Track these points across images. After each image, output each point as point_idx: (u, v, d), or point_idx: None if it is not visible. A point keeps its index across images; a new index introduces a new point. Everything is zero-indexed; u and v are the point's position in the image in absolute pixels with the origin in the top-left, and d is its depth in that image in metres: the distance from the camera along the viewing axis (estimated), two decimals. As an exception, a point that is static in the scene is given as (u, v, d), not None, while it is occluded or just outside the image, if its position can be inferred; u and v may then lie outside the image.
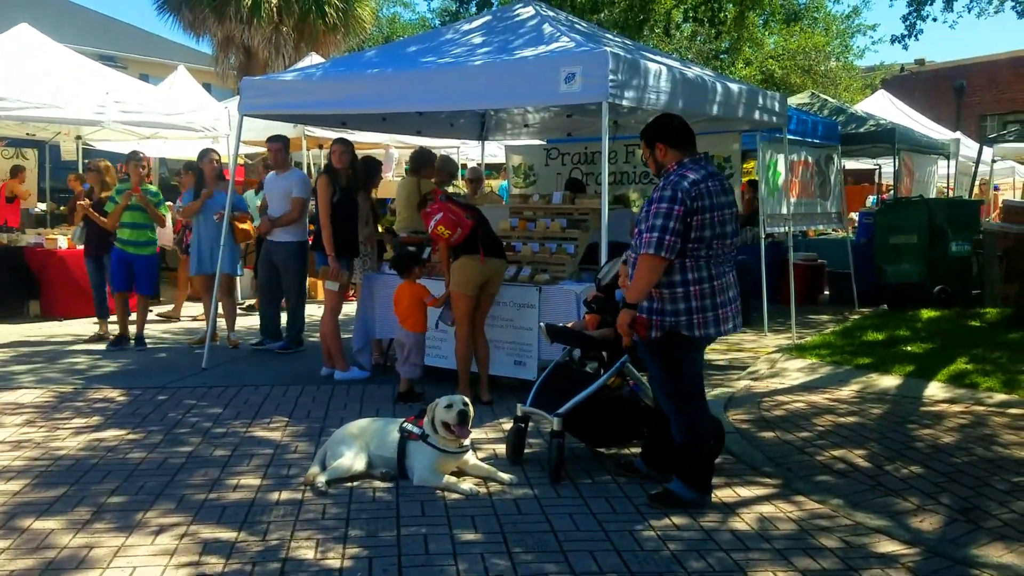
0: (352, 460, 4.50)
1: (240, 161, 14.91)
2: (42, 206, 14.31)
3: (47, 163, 14.81)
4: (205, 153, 8.33)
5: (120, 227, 8.23)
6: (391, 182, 13.35)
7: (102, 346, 8.30)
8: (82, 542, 3.72)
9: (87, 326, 9.22)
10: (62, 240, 9.80)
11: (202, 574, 3.42)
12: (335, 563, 3.55)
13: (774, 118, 7.66)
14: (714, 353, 8.05)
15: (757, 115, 7.40)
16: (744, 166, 9.14)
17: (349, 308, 7.31)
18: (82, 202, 8.74)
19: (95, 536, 3.78)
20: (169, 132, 11.26)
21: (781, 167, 8.85)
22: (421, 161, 7.72)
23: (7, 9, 23.54)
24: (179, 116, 10.69)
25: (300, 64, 13.98)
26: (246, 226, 8.37)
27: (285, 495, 4.32)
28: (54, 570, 3.44)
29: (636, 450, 4.99)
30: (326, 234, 6.73)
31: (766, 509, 4.18)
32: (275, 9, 19.60)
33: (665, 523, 4.00)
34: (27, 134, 12.69)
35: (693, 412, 4.18)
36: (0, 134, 13.18)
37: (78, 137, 12.90)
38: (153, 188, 8.60)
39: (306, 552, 3.65)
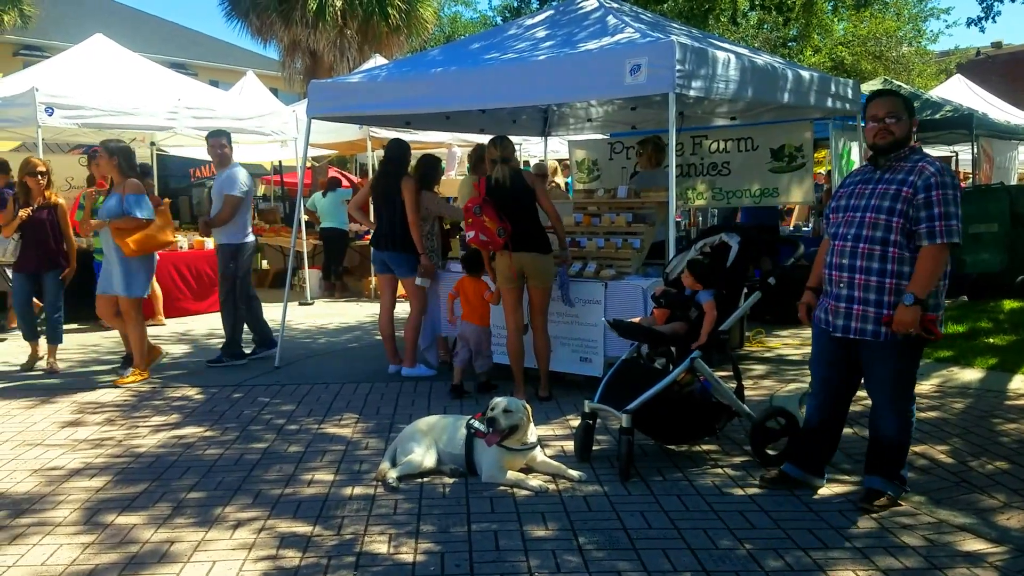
0: (422, 456, 4.53)
1: (307, 164, 15.19)
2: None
3: (123, 169, 15.26)
4: (93, 156, 7.60)
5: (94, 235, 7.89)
6: (454, 180, 13.43)
7: (180, 347, 8.52)
8: (163, 537, 3.82)
9: (167, 326, 9.51)
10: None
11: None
12: (408, 557, 3.57)
13: (847, 105, 7.44)
14: (787, 348, 7.89)
15: (829, 102, 7.19)
16: (816, 155, 8.90)
17: (403, 306, 7.36)
18: (24, 210, 7.33)
19: (176, 531, 3.88)
20: (239, 136, 11.52)
21: (855, 155, 8.61)
22: (479, 158, 7.73)
23: (83, 20, 24.46)
24: (249, 121, 10.95)
25: (364, 66, 14.18)
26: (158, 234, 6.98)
27: (358, 490, 4.38)
28: (137, 564, 3.54)
29: (739, 459, 4.91)
30: (416, 234, 6.79)
31: (845, 507, 4.07)
32: (339, 12, 19.88)
33: (740, 522, 3.92)
34: (102, 141, 13.12)
35: (912, 411, 4.06)
36: (77, 142, 13.69)
37: (152, 143, 13.31)
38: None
39: (379, 546, 3.68)
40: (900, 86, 12.94)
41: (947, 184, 3.75)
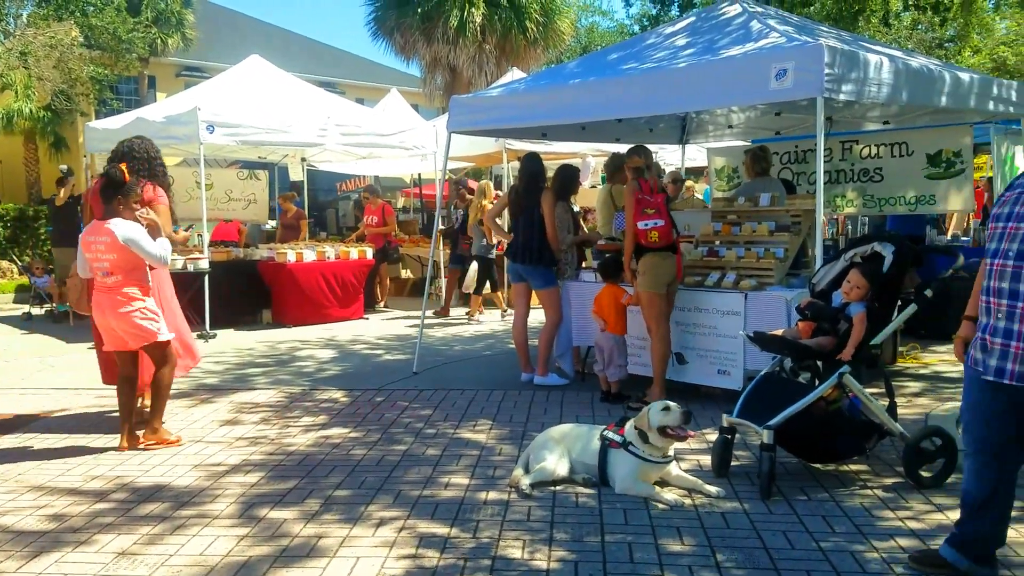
0: (555, 464, 4.54)
1: (446, 177, 15.59)
2: (272, 223, 15.68)
3: (275, 183, 16.17)
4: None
5: None
6: (589, 191, 13.43)
7: (327, 352, 8.92)
8: (312, 532, 3.99)
9: (314, 332, 9.98)
10: (291, 254, 10.66)
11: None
12: (542, 564, 3.58)
13: (1011, 108, 6.94)
14: (943, 364, 7.42)
15: (991, 105, 6.73)
16: (976, 160, 8.36)
17: (536, 314, 7.42)
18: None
19: (323, 526, 4.05)
20: (383, 151, 11.97)
21: (1020, 161, 8.02)
22: (615, 167, 7.69)
23: (240, 42, 26.12)
24: (392, 136, 11.35)
25: (502, 80, 14.42)
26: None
27: (492, 495, 4.43)
28: (287, 557, 3.71)
29: (891, 480, 4.69)
30: (555, 244, 6.93)
31: (1010, 533, 3.77)
32: (479, 28, 20.33)
33: (890, 544, 3.71)
34: (259, 157, 13.97)
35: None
36: (235, 157, 14.60)
37: (303, 159, 14.02)
38: None
39: (514, 551, 3.71)
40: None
41: None
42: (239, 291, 10.62)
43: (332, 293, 10.78)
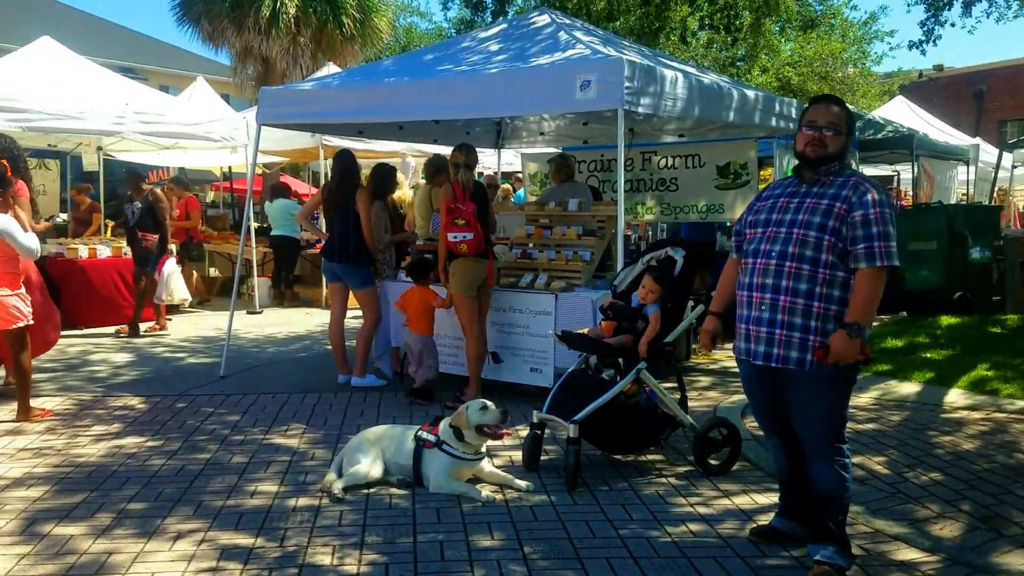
0: (369, 467, 4.52)
1: (258, 171, 15.05)
2: (63, 216, 14.51)
3: (68, 174, 15.00)
4: None
5: None
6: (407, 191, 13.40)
7: (123, 355, 8.38)
8: (102, 548, 3.75)
9: (107, 335, 9.32)
10: (83, 250, 9.90)
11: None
12: (352, 569, 3.56)
13: (791, 124, 7.63)
14: (731, 360, 8.02)
15: (774, 121, 7.38)
16: (761, 173, 9.09)
17: (353, 315, 7.34)
18: None
19: (115, 542, 3.81)
20: (188, 142, 11.37)
21: (798, 173, 8.79)
22: (436, 169, 7.75)
23: (30, 23, 23.89)
24: (198, 126, 10.79)
25: (317, 74, 14.11)
26: None
27: (303, 501, 4.34)
28: (75, 575, 3.47)
29: (683, 468, 4.98)
30: (371, 244, 6.88)
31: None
32: (293, 20, 19.73)
33: (682, 530, 3.99)
34: (49, 145, 12.87)
35: (847, 456, 3.55)
36: (23, 146, 13.36)
37: (99, 148, 13.06)
38: None
39: (323, 558, 3.66)
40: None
41: (885, 203, 3.39)
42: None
43: (130, 292, 10.10)
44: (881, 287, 3.38)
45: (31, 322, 5.95)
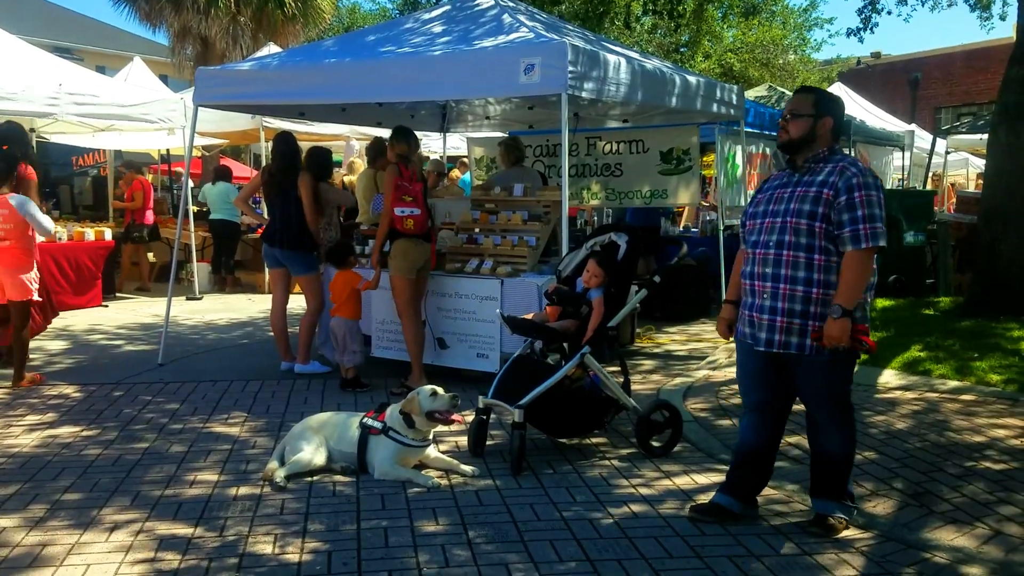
0: (312, 455, 4.47)
1: (196, 153, 14.72)
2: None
3: (-3, 155, 14.46)
4: None
5: None
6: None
7: (58, 343, 8.14)
8: (36, 540, 3.65)
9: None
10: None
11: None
12: (294, 557, 3.53)
13: (732, 110, 7.73)
14: (674, 344, 8.13)
15: (715, 107, 7.46)
16: (703, 159, 9.22)
17: (296, 300, 7.24)
18: None
19: (49, 533, 3.72)
20: (124, 124, 11.07)
21: (739, 159, 8.94)
22: (378, 152, 7.66)
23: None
24: (134, 108, 10.51)
25: (258, 54, 13.81)
26: None
27: (244, 490, 4.28)
28: (7, 569, 3.38)
29: (626, 451, 5.02)
30: (314, 228, 6.76)
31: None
32: (233, -1, 19.29)
33: (624, 511, 4.04)
34: (-24, 126, 12.38)
35: (853, 423, 3.81)
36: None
37: (31, 129, 12.62)
38: None
39: (264, 547, 3.62)
40: (784, 92, 13.51)
41: (870, 185, 3.49)
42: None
43: (65, 278, 9.79)
44: (868, 268, 3.52)
45: (38, 299, 6.61)
